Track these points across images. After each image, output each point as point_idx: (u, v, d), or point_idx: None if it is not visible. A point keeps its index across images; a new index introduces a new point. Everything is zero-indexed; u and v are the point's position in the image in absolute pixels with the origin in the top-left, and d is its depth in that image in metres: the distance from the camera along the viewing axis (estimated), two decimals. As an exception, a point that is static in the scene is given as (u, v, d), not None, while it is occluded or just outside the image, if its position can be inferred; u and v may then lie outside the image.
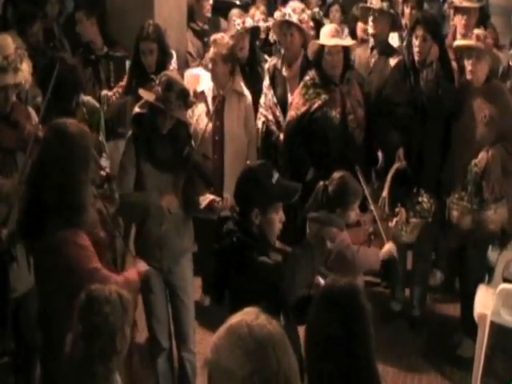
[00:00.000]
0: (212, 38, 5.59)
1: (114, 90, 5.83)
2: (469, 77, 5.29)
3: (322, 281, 3.60)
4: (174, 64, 6.01)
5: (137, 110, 4.45)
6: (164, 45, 5.65)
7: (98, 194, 3.94)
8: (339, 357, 2.56)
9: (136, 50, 5.63)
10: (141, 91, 4.49)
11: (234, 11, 6.99)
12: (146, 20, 5.82)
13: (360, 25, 6.92)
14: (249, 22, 6.25)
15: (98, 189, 4.64)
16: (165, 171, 4.40)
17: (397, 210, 4.76)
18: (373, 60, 6.30)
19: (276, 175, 3.51)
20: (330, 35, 5.49)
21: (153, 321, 4.64)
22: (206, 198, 4.46)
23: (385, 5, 6.19)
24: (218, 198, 4.47)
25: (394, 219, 4.66)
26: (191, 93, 4.90)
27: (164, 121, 4.37)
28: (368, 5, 6.40)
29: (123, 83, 5.78)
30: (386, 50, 6.25)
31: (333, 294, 2.69)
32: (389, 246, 4.41)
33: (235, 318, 2.23)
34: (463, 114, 5.35)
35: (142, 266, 3.84)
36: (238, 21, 6.22)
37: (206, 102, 5.59)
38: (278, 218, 3.51)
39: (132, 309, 3.04)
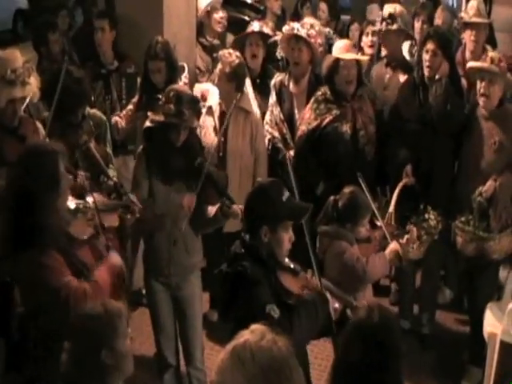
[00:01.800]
0: (219, 53, 5.68)
1: (127, 107, 5.93)
2: (481, 100, 5.29)
3: (337, 305, 3.62)
4: (184, 79, 6.11)
5: (148, 124, 4.54)
6: (172, 62, 5.75)
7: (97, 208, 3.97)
8: None
9: (145, 67, 5.76)
10: (150, 115, 4.59)
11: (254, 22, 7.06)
12: (156, 35, 5.94)
13: (365, 40, 7.03)
14: (267, 30, 6.39)
15: (109, 196, 4.80)
16: (177, 183, 4.47)
17: (408, 227, 4.80)
18: (387, 76, 6.39)
19: (286, 193, 3.56)
20: (344, 49, 5.59)
21: (160, 336, 4.72)
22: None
23: (384, 25, 6.33)
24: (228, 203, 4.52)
25: (405, 237, 4.69)
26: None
27: (178, 135, 4.48)
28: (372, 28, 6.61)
29: (135, 100, 5.90)
30: (400, 66, 6.32)
31: (370, 329, 2.70)
32: (393, 245, 4.49)
33: (240, 338, 2.25)
34: (472, 137, 5.38)
35: (114, 258, 3.79)
36: (256, 24, 6.34)
37: (213, 116, 5.66)
38: (287, 237, 3.54)
39: (122, 321, 3.02)
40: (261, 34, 6.31)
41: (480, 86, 5.27)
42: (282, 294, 3.49)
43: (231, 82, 5.50)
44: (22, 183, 3.53)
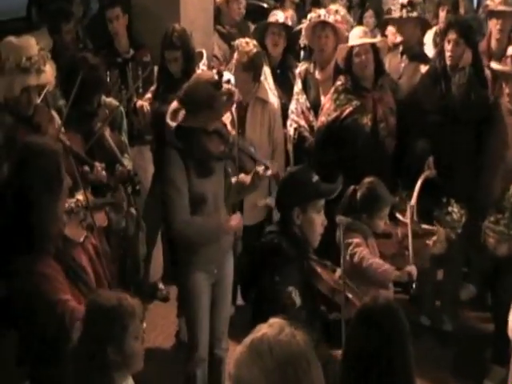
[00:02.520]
0: (236, 43, 5.68)
1: (146, 96, 5.92)
2: (506, 100, 5.35)
3: (350, 295, 3.67)
4: (203, 66, 6.06)
5: (172, 123, 4.43)
6: (189, 51, 5.75)
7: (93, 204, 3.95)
8: (379, 377, 2.62)
9: (162, 57, 5.76)
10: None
11: (277, 11, 7.02)
12: (171, 22, 5.93)
13: (390, 28, 7.01)
14: (291, 22, 6.43)
15: (123, 185, 4.80)
16: (215, 172, 4.47)
17: (435, 228, 4.79)
18: (402, 65, 6.38)
19: (315, 177, 3.83)
20: (357, 36, 5.59)
21: (198, 330, 4.65)
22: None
23: (404, 12, 6.28)
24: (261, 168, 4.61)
25: (432, 238, 4.65)
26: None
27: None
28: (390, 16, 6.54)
29: (153, 88, 5.91)
30: (416, 56, 6.32)
31: (372, 313, 2.73)
32: (409, 270, 4.35)
33: (259, 332, 2.25)
34: (496, 131, 5.40)
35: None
36: (280, 14, 6.36)
37: (230, 107, 5.67)
38: (319, 219, 3.78)
39: (135, 320, 2.98)
40: (284, 25, 6.33)
41: (505, 85, 5.31)
42: (315, 278, 3.63)
43: (248, 71, 5.50)
44: (20, 184, 3.46)
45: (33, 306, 3.38)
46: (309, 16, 6.15)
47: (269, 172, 4.60)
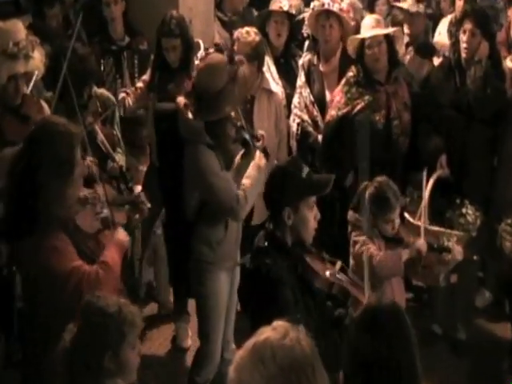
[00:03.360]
0: (235, 34, 5.57)
1: (137, 85, 5.85)
2: None
3: (352, 289, 3.70)
4: (200, 56, 6.00)
5: (195, 121, 4.44)
6: (188, 39, 5.66)
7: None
8: (383, 380, 2.58)
9: (158, 45, 5.66)
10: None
11: None
12: (170, 9, 5.84)
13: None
14: (295, 10, 6.34)
15: (110, 180, 4.73)
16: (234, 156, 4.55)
17: (452, 245, 4.62)
18: (407, 57, 6.32)
19: (306, 169, 3.61)
20: (370, 27, 5.49)
21: (217, 334, 4.64)
22: None
23: (414, 8, 6.32)
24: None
25: (448, 256, 4.52)
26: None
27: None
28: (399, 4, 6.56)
29: (146, 78, 5.81)
30: (422, 49, 6.27)
31: (376, 314, 2.71)
32: (419, 243, 4.38)
33: (262, 335, 2.22)
34: None
35: (122, 234, 3.72)
36: (285, 2, 6.24)
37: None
38: (312, 214, 3.60)
39: (134, 329, 2.97)
40: (287, 13, 6.23)
41: None
42: (310, 276, 3.56)
43: (253, 62, 5.43)
44: (29, 161, 3.43)
45: (46, 280, 3.37)
46: (312, 4, 6.05)
47: (260, 143, 4.62)
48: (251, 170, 4.49)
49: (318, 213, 3.63)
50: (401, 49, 6.33)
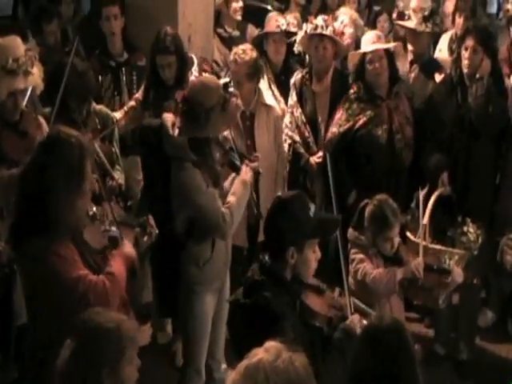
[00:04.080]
0: (232, 56, 5.60)
1: (129, 104, 5.88)
2: None
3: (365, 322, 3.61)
4: (194, 72, 6.04)
5: (180, 137, 4.43)
6: (183, 55, 5.72)
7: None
8: None
9: (152, 62, 5.70)
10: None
11: (274, 13, 7.13)
12: (169, 24, 5.90)
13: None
14: (293, 28, 6.40)
15: (115, 199, 4.77)
16: (221, 177, 4.57)
17: (452, 267, 4.70)
18: (412, 75, 6.37)
19: (312, 207, 3.51)
20: (370, 42, 5.59)
21: (201, 355, 4.67)
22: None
23: (424, 25, 6.31)
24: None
25: (448, 279, 4.59)
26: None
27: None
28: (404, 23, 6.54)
29: (138, 96, 5.85)
30: (427, 66, 6.32)
31: (378, 332, 2.75)
32: (415, 264, 4.43)
33: (254, 357, 2.22)
34: None
35: (128, 247, 3.72)
36: (282, 21, 6.34)
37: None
38: (314, 256, 3.51)
39: (133, 345, 2.95)
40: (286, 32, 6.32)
41: None
42: (308, 315, 3.48)
43: (252, 80, 5.53)
44: (40, 170, 3.45)
45: (52, 288, 3.36)
46: (304, 26, 6.03)
47: (256, 164, 4.66)
48: (236, 185, 4.53)
49: (319, 253, 3.55)
50: (404, 66, 6.36)
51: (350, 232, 4.61)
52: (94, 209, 3.81)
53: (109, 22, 6.26)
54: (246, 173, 4.58)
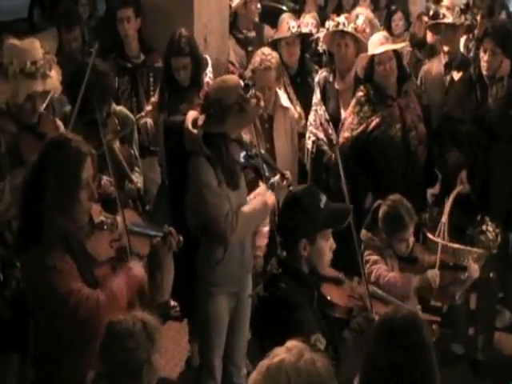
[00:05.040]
0: (258, 60, 5.65)
1: (146, 109, 5.97)
2: None
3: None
4: (209, 73, 6.16)
5: (195, 130, 4.48)
6: (198, 57, 5.83)
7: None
8: None
9: (167, 64, 5.81)
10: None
11: (286, 15, 7.23)
12: (185, 25, 6.01)
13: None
14: (305, 29, 6.49)
15: (133, 203, 4.82)
16: (242, 183, 4.60)
17: (468, 263, 4.70)
18: (448, 78, 6.39)
19: (323, 198, 3.58)
20: (378, 43, 5.65)
21: (215, 357, 4.73)
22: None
23: (460, 20, 6.31)
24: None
25: (466, 274, 4.62)
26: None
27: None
28: (439, 20, 6.51)
29: (154, 99, 5.95)
30: (462, 65, 6.31)
31: (394, 323, 2.78)
32: (431, 274, 4.47)
33: (276, 356, 2.25)
34: None
35: (137, 268, 3.69)
36: (293, 23, 6.41)
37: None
38: (328, 246, 3.59)
39: (159, 335, 3.07)
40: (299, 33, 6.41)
41: None
42: (327, 307, 3.58)
43: (279, 83, 5.76)
44: (35, 175, 3.51)
45: (44, 300, 3.42)
46: (327, 24, 6.18)
47: (285, 182, 4.73)
48: (256, 202, 4.59)
49: (334, 243, 3.62)
50: (439, 68, 6.43)
51: (364, 233, 4.65)
52: (102, 217, 3.78)
53: (122, 25, 6.38)
54: (270, 196, 4.63)
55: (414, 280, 4.45)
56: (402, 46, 5.92)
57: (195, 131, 4.47)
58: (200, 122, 4.48)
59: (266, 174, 4.73)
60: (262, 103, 4.64)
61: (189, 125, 4.51)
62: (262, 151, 4.95)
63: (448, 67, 6.42)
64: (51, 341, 3.50)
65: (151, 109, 5.91)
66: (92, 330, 3.31)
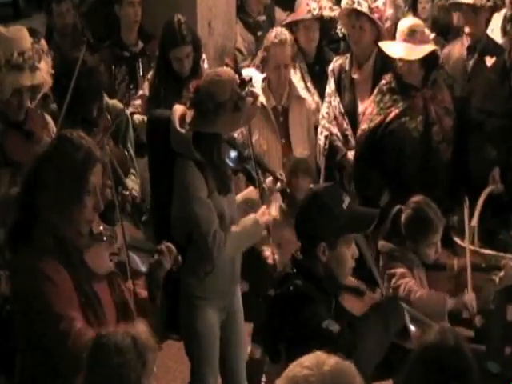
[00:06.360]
0: (271, 37, 5.71)
1: (135, 102, 6.03)
2: None
3: (413, 328, 3.74)
4: (204, 57, 6.23)
5: (183, 130, 4.43)
6: (199, 43, 5.92)
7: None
8: None
9: (165, 55, 5.88)
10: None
11: None
12: (187, 9, 6.17)
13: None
14: (327, 11, 6.49)
15: (121, 213, 4.83)
16: (231, 188, 4.60)
17: (503, 262, 4.69)
18: (470, 63, 6.38)
19: (347, 200, 3.60)
20: (401, 38, 5.60)
21: (210, 376, 4.77)
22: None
23: (479, 1, 6.25)
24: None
25: (499, 274, 4.59)
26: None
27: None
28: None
29: (144, 92, 6.02)
30: (488, 50, 6.31)
31: (438, 355, 2.80)
32: (468, 298, 4.42)
33: (302, 367, 2.29)
34: None
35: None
36: (314, 4, 6.39)
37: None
38: (350, 253, 3.59)
39: (153, 355, 3.03)
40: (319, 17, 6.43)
41: None
42: (345, 317, 3.59)
43: (293, 62, 5.84)
44: (37, 168, 3.47)
45: (32, 310, 3.37)
46: (342, 2, 6.12)
47: (279, 185, 4.77)
48: (248, 221, 4.58)
49: (357, 251, 3.63)
50: (461, 52, 6.41)
51: (383, 244, 4.62)
52: (101, 227, 3.73)
53: (133, 8, 6.43)
54: (262, 214, 4.60)
55: (449, 303, 4.39)
56: (431, 51, 5.61)
57: (183, 131, 4.41)
58: (188, 119, 4.44)
59: (260, 179, 4.73)
60: (258, 102, 4.65)
61: (176, 123, 4.44)
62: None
63: (471, 51, 6.39)
64: (39, 362, 3.49)
65: (141, 103, 5.99)
66: (80, 364, 3.16)
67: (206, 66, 6.14)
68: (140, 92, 6.08)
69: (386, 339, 3.53)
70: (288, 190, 5.18)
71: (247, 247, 4.70)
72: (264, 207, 4.64)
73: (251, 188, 4.76)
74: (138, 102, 6.02)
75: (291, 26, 6.35)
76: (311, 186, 4.96)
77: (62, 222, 3.42)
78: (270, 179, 4.79)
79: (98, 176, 3.50)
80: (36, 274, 3.32)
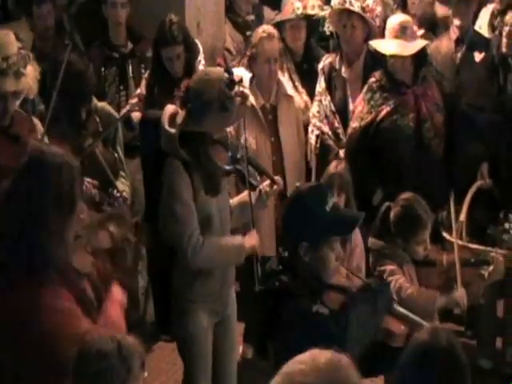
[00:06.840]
0: (258, 34, 5.88)
1: (133, 101, 6.13)
2: None
3: (402, 327, 3.82)
4: (201, 59, 6.33)
5: (171, 130, 4.49)
6: (191, 43, 6.04)
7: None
8: None
9: (157, 55, 6.02)
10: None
11: None
12: (176, 9, 6.20)
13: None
14: (311, 9, 6.57)
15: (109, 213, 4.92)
16: (223, 189, 4.65)
17: (492, 255, 4.79)
18: (459, 55, 6.41)
19: (331, 201, 3.61)
20: (392, 35, 5.72)
21: (199, 375, 4.82)
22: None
23: None
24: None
25: (488, 269, 4.65)
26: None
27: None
28: None
29: (141, 91, 6.13)
30: (475, 41, 6.36)
31: (429, 353, 2.83)
32: (459, 294, 4.52)
33: (299, 365, 2.34)
34: None
35: (118, 293, 3.71)
36: (298, 4, 6.50)
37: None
38: (333, 254, 3.60)
39: (139, 360, 3.06)
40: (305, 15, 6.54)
41: None
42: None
43: (280, 58, 5.93)
44: (24, 199, 3.37)
45: (54, 348, 3.28)
46: (332, 1, 6.28)
47: (275, 187, 4.81)
48: (234, 240, 4.63)
49: (342, 251, 3.67)
50: (448, 46, 6.46)
51: (373, 241, 4.73)
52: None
53: (116, 10, 6.49)
54: (250, 239, 4.62)
55: (439, 300, 4.48)
56: (419, 48, 5.76)
57: (172, 131, 4.47)
58: (179, 120, 4.50)
59: (253, 182, 4.76)
60: (248, 102, 4.74)
61: (165, 122, 4.51)
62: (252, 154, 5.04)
63: (459, 43, 6.43)
64: None
65: (138, 101, 6.09)
66: None
67: (201, 67, 6.23)
68: (137, 91, 6.18)
69: (374, 319, 3.63)
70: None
71: (222, 265, 4.69)
72: (254, 231, 4.67)
73: (247, 192, 4.77)
74: (135, 100, 6.13)
75: (278, 26, 6.44)
76: (297, 184, 4.99)
77: (57, 248, 3.37)
78: (266, 182, 4.82)
79: (80, 183, 3.60)
80: (49, 311, 3.28)
